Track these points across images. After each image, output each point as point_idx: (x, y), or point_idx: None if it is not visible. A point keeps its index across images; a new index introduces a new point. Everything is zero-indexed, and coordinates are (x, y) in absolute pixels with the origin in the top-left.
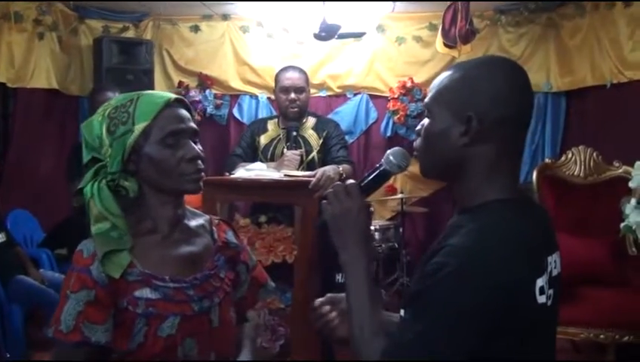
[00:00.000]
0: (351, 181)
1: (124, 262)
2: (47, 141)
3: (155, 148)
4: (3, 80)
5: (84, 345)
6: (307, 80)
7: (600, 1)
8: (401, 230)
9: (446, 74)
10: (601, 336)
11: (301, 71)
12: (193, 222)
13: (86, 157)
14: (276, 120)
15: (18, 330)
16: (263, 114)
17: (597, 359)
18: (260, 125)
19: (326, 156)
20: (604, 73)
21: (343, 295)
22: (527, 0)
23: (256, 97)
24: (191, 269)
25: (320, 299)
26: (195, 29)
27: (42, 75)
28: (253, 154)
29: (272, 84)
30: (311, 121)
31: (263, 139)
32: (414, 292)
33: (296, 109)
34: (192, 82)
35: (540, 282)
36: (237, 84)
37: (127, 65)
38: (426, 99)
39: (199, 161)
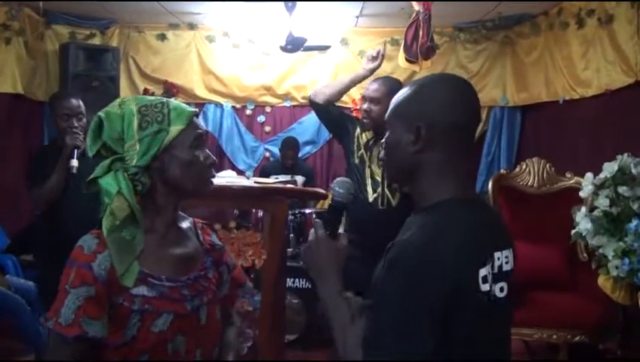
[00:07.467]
0: (316, 220)
1: (135, 270)
2: (10, 146)
3: (186, 151)
4: None
5: (81, 338)
6: (386, 93)
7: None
8: None
9: (402, 91)
10: (554, 337)
11: (383, 83)
12: (183, 224)
13: (93, 148)
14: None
15: None
16: (227, 122)
17: (550, 359)
18: None
19: None
20: (558, 90)
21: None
22: (484, 19)
23: (221, 106)
24: (184, 269)
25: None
26: (162, 37)
27: (8, 80)
28: None
29: (237, 93)
30: None
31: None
32: (373, 288)
33: (367, 120)
34: (157, 90)
35: (484, 272)
36: (202, 92)
37: (93, 71)
38: (386, 114)
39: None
